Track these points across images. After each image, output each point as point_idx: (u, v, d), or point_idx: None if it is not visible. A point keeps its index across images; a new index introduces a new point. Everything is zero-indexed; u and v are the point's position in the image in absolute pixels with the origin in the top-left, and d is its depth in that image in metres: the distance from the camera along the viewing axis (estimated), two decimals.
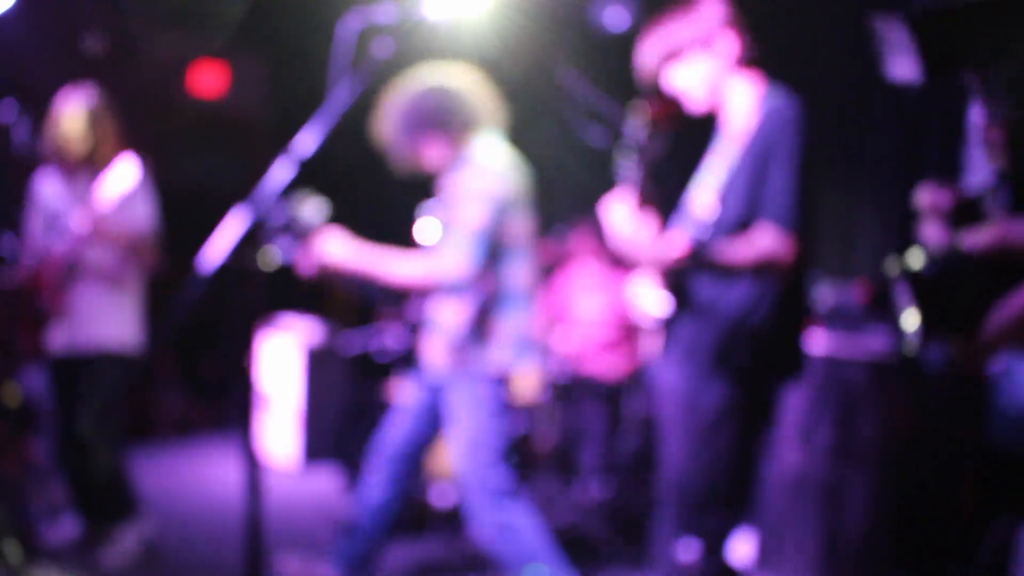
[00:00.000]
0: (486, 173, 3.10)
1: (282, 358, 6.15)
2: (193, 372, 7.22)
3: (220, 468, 5.90)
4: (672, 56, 2.54)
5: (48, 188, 4.04)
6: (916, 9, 0.66)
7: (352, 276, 3.11)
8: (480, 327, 3.11)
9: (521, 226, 3.18)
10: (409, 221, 5.29)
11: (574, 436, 4.84)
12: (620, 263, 5.02)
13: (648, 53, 2.58)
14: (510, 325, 3.13)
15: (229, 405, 6.99)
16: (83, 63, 6.65)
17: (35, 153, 4.01)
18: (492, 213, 3.05)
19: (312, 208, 3.00)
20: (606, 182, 6.08)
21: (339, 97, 2.49)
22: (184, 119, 7.51)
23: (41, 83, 6.01)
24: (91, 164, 3.94)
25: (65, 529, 4.18)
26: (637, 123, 2.39)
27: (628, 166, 2.42)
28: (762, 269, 2.36)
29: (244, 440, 2.36)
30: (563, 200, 6.08)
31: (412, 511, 4.37)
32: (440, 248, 3.06)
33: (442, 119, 3.16)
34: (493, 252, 3.09)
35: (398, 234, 4.53)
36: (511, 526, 3.05)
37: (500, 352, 3.11)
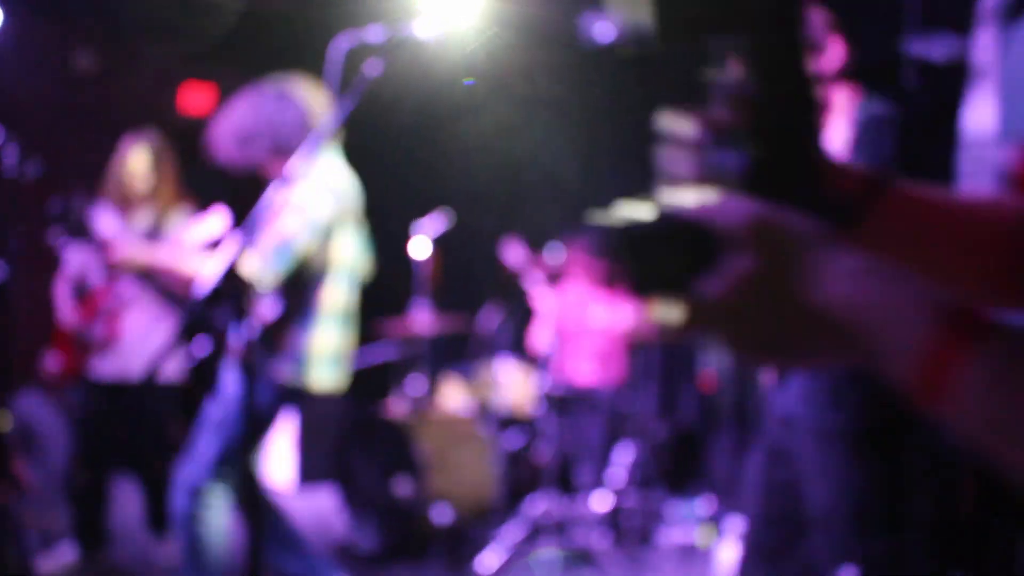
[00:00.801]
0: (318, 190, 3.02)
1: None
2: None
3: None
4: None
5: (105, 222, 4.11)
6: None
7: (145, 273, 3.12)
8: (271, 337, 3.04)
9: (347, 249, 3.12)
10: (403, 238, 5.31)
11: (573, 450, 4.82)
12: (612, 277, 5.02)
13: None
14: (313, 342, 3.05)
15: None
16: (70, 82, 6.64)
17: (23, 176, 4.02)
18: (310, 231, 2.97)
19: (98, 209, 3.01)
20: (598, 194, 6.06)
21: (332, 117, 2.47)
22: (174, 135, 7.49)
23: (28, 104, 6.02)
24: (150, 202, 4.14)
25: (62, 555, 4.16)
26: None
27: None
28: None
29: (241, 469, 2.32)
30: (555, 212, 6.08)
31: (413, 530, 4.34)
32: (251, 251, 2.96)
33: (281, 131, 3.08)
34: (305, 272, 3.02)
35: (392, 250, 4.53)
36: (203, 518, 2.98)
37: (284, 363, 3.03)
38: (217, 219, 3.99)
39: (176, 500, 3.01)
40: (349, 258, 3.13)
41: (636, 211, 0.75)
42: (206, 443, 2.99)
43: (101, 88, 6.95)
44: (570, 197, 6.16)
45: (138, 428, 4.10)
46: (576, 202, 6.26)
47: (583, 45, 5.78)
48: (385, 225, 5.79)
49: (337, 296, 3.11)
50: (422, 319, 5.09)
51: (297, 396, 3.06)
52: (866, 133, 2.37)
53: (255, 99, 3.14)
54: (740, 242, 0.69)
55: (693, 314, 0.71)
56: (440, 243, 5.21)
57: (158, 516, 4.17)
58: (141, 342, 4.05)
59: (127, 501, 4.56)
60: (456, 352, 5.86)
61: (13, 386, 4.90)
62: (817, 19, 2.46)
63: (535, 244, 5.28)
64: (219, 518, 3.00)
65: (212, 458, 2.97)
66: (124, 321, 4.06)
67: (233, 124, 3.14)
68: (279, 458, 6.01)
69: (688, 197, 0.79)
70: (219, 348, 3.10)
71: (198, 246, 3.89)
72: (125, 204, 4.16)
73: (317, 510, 5.34)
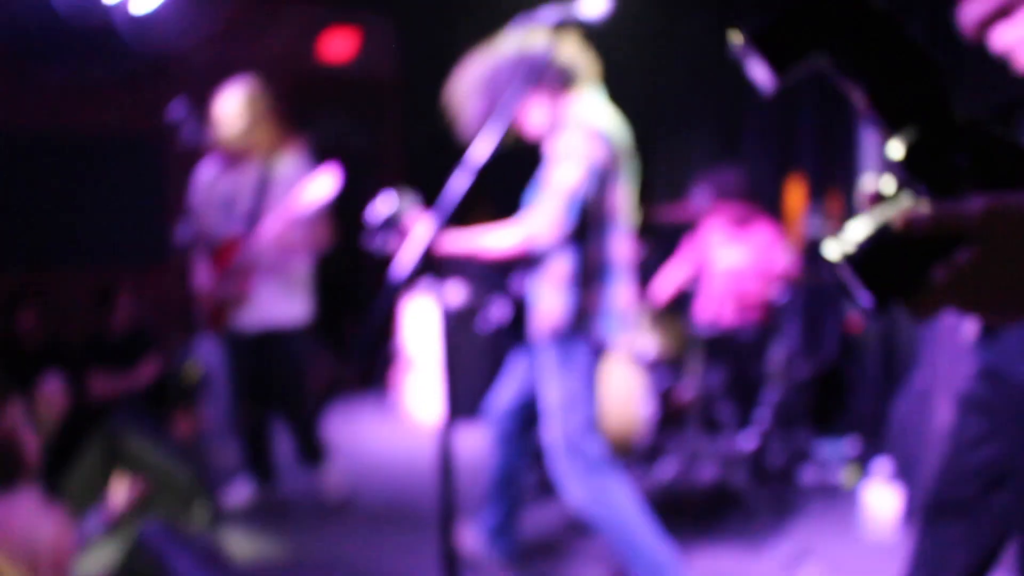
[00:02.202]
0: (588, 135, 2.93)
1: (423, 320, 6.37)
2: (339, 334, 7.53)
3: (372, 426, 6.18)
4: (1002, 13, 2.29)
5: (216, 176, 4.27)
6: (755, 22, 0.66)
7: (456, 259, 3.09)
8: (580, 297, 3.03)
9: (621, 197, 3.04)
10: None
11: (717, 390, 4.89)
12: (747, 219, 5.02)
13: (971, 11, 2.33)
14: (605, 296, 3.04)
15: (375, 365, 7.27)
16: (217, 38, 6.89)
17: (203, 147, 4.25)
18: (589, 176, 2.91)
19: (407, 202, 3.02)
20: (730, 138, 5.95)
21: (507, 107, 2.44)
22: (316, 85, 7.73)
23: (196, 79, 6.29)
24: (254, 151, 4.18)
25: (240, 490, 4.49)
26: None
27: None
28: None
29: (440, 399, 2.46)
30: (686, 157, 6.06)
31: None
32: (531, 211, 2.96)
33: (536, 78, 2.98)
34: (594, 222, 2.97)
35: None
36: (604, 492, 2.99)
37: (593, 321, 3.03)
38: (327, 178, 3.97)
39: (567, 465, 3.03)
40: (627, 204, 3.07)
41: (858, 230, 0.79)
42: (568, 413, 3.03)
43: (247, 42, 7.20)
44: (702, 142, 6.13)
45: (279, 372, 4.30)
46: (706, 147, 6.22)
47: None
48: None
49: (623, 246, 3.07)
50: None
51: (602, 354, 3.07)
52: None
53: (508, 52, 3.06)
54: (974, 232, 0.74)
55: (930, 296, 0.76)
56: None
57: (307, 450, 4.44)
58: (271, 295, 4.19)
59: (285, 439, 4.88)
60: None
61: (194, 332, 5.26)
62: None
63: (671, 190, 5.30)
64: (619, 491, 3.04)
65: (581, 426, 3.03)
66: (253, 279, 4.16)
67: (480, 75, 3.07)
68: (429, 394, 6.28)
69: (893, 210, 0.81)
70: (519, 312, 3.25)
71: (310, 208, 3.97)
72: (229, 155, 4.19)
73: (468, 445, 5.59)
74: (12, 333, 5.84)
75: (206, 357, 5.00)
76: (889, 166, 0.80)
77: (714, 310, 5.07)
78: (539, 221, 2.91)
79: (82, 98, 6.76)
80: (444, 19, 7.40)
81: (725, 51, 4.93)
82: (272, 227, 4.04)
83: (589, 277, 3.02)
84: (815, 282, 4.98)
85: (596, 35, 3.00)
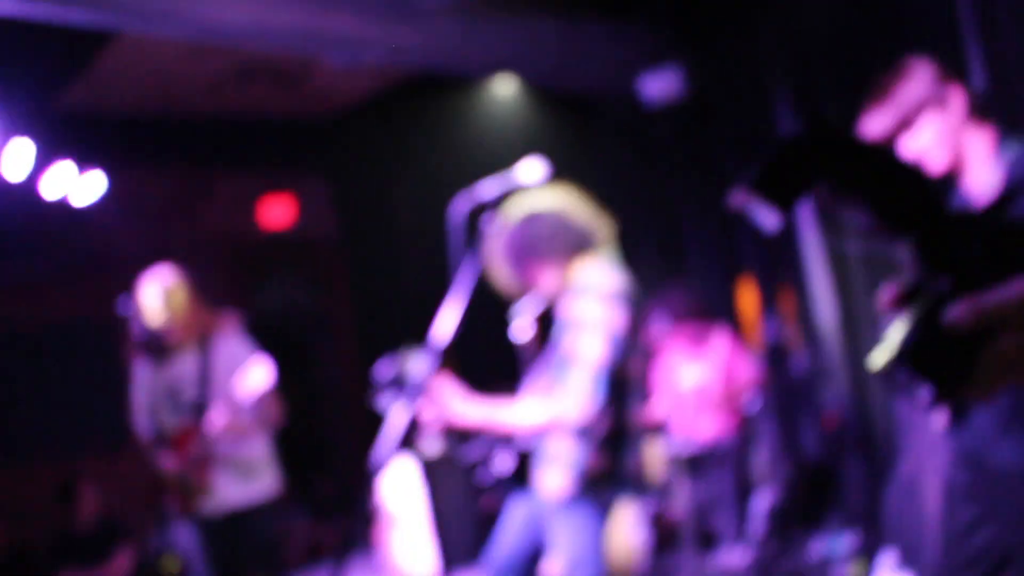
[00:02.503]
0: (606, 302, 2.92)
1: (401, 474, 6.29)
2: (313, 497, 7.38)
3: None
4: (904, 124, 2.42)
5: (149, 370, 4.25)
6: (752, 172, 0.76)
7: (473, 426, 3.04)
8: (599, 465, 3.00)
9: (640, 362, 3.03)
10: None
11: (707, 505, 4.88)
12: (704, 335, 5.13)
13: (875, 126, 2.45)
14: (622, 461, 3.03)
15: (355, 524, 7.12)
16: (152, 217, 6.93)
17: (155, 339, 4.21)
18: (612, 346, 2.89)
19: (418, 362, 2.98)
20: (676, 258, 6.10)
21: (464, 278, 2.53)
22: (259, 254, 7.79)
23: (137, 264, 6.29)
24: (185, 338, 4.14)
25: None
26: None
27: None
28: None
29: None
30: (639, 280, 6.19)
31: None
32: (560, 388, 2.92)
33: (549, 244, 3.00)
34: (616, 390, 2.94)
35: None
36: None
37: (610, 487, 3.02)
38: (262, 368, 3.93)
39: None
40: (638, 372, 3.04)
41: (899, 333, 0.84)
42: (577, 573, 3.01)
43: (185, 217, 7.26)
44: (648, 263, 6.28)
45: (251, 552, 4.18)
46: (652, 267, 6.38)
47: (642, 103, 5.96)
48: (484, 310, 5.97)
49: (641, 412, 3.05)
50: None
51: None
52: (1015, 173, 2.30)
53: (522, 215, 3.08)
54: (1016, 317, 0.79)
55: (986, 379, 0.81)
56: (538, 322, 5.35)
57: None
58: (232, 481, 4.10)
59: None
60: None
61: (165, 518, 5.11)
62: (928, 75, 2.41)
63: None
64: None
65: None
66: (210, 468, 4.08)
67: (507, 243, 3.07)
68: (418, 549, 6.15)
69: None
70: (523, 466, 3.19)
71: (249, 400, 3.91)
72: (161, 346, 4.16)
73: None
74: None
75: (182, 543, 4.86)
76: (906, 268, 0.85)
77: (688, 428, 5.10)
78: (570, 399, 2.88)
79: (26, 293, 6.70)
80: (378, 177, 7.58)
81: (651, 171, 5.11)
82: (218, 420, 4.01)
83: (607, 444, 2.99)
84: (783, 384, 5.07)
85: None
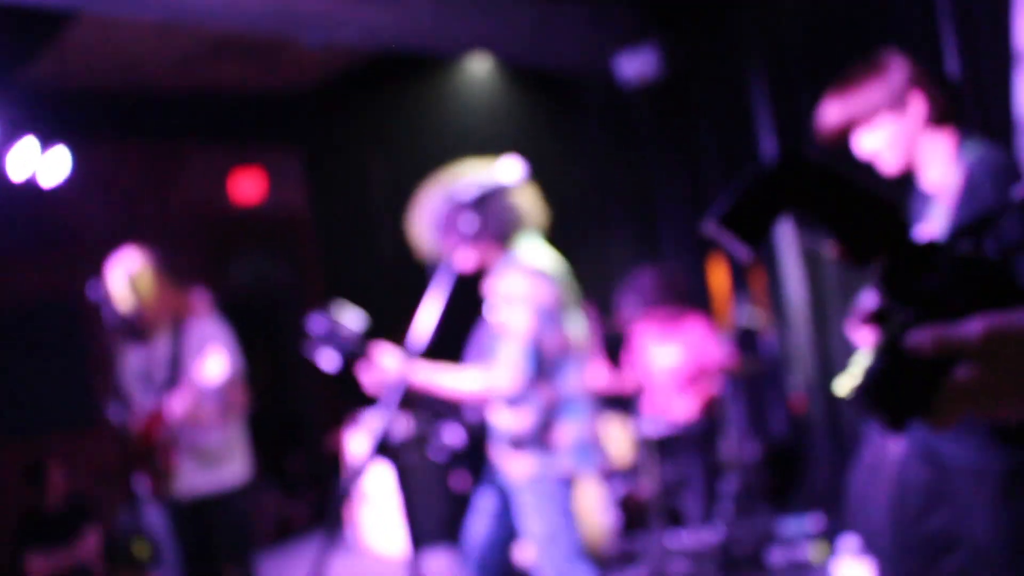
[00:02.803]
0: (532, 278, 3.04)
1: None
2: (282, 471, 7.38)
3: (336, 563, 6.02)
4: (860, 121, 2.46)
5: (129, 353, 4.21)
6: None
7: (412, 391, 3.10)
8: (543, 434, 3.10)
9: (572, 332, 3.13)
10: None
11: (674, 484, 4.94)
12: (676, 317, 5.16)
13: (833, 116, 2.49)
14: (571, 431, 3.11)
15: (324, 500, 7.14)
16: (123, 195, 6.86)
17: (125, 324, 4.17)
18: (539, 321, 3.01)
19: (352, 318, 3.05)
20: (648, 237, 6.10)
21: (441, 282, 2.61)
22: (231, 228, 7.73)
23: (106, 241, 6.23)
24: (155, 323, 4.09)
25: None
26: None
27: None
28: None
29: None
30: (608, 259, 6.20)
31: None
32: (494, 361, 3.05)
33: (483, 221, 3.06)
34: (547, 362, 3.05)
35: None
36: None
37: (563, 458, 3.10)
38: (219, 357, 3.87)
39: None
40: (576, 341, 3.14)
41: (862, 363, 0.85)
42: (552, 547, 3.08)
43: (156, 195, 7.18)
44: (622, 244, 6.29)
45: (221, 538, 4.15)
46: (626, 248, 6.39)
47: (619, 83, 5.94)
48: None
49: (583, 378, 3.14)
50: None
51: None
52: (973, 176, 2.32)
53: (447, 189, 3.13)
54: (975, 353, 0.80)
55: (942, 409, 0.82)
56: None
57: None
58: (197, 467, 4.08)
59: None
60: None
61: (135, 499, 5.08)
62: (895, 76, 2.43)
63: (598, 300, 5.41)
64: None
65: (568, 556, 3.09)
66: (174, 454, 4.06)
67: (429, 215, 3.14)
68: (387, 524, 6.18)
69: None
70: (476, 439, 3.24)
71: (207, 388, 3.87)
72: (133, 329, 4.10)
73: (435, 573, 5.50)
74: None
75: (153, 526, 4.85)
76: (876, 292, 0.86)
77: (659, 409, 5.14)
78: (501, 369, 3.00)
79: None
80: (350, 150, 7.53)
81: (626, 152, 5.11)
82: (177, 407, 3.97)
83: (553, 415, 3.08)
84: (752, 368, 5.11)
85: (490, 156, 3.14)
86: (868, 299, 0.89)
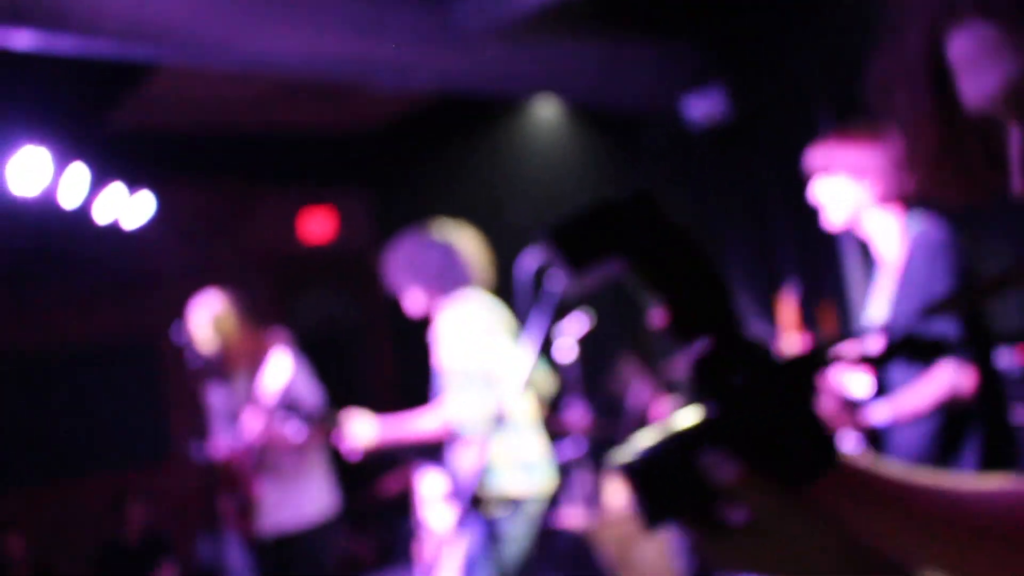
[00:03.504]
0: (465, 313, 3.35)
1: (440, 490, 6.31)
2: (349, 508, 7.42)
3: None
4: (823, 169, 2.64)
5: (214, 393, 4.31)
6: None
7: (388, 447, 3.45)
8: (494, 456, 3.30)
9: (509, 355, 3.31)
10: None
11: None
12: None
13: (811, 156, 2.69)
14: (510, 449, 3.33)
15: (393, 538, 7.16)
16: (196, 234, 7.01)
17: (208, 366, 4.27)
18: (477, 349, 3.29)
19: (311, 390, 3.33)
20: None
21: (531, 333, 2.81)
22: (300, 267, 7.86)
23: (182, 281, 6.35)
24: (236, 362, 4.19)
25: None
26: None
27: None
28: (947, 403, 2.38)
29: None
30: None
31: None
32: (445, 396, 3.34)
33: (432, 272, 3.42)
34: (485, 383, 3.29)
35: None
36: None
37: (506, 475, 3.31)
38: (283, 359, 3.99)
39: None
40: (512, 365, 3.27)
41: (643, 440, 0.77)
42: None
43: (228, 235, 7.34)
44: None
45: (301, 570, 4.19)
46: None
47: (685, 125, 5.95)
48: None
49: (517, 404, 3.31)
50: (577, 417, 5.24)
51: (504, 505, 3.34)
52: (919, 250, 2.47)
53: (414, 240, 3.54)
54: (732, 493, 0.74)
55: (713, 543, 0.76)
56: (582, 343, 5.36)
57: None
58: (279, 498, 4.13)
59: None
60: (605, 449, 5.97)
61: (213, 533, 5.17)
62: (868, 150, 2.55)
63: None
64: None
65: None
66: (256, 484, 4.13)
67: (395, 262, 3.55)
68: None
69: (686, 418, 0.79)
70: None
71: (277, 395, 3.95)
72: (217, 369, 4.22)
73: None
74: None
75: (232, 562, 4.92)
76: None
77: None
78: (453, 404, 3.29)
79: (76, 311, 6.82)
80: (418, 191, 7.63)
81: (692, 192, 5.05)
82: (252, 424, 4.02)
83: (498, 436, 3.24)
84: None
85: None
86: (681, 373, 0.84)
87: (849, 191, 2.59)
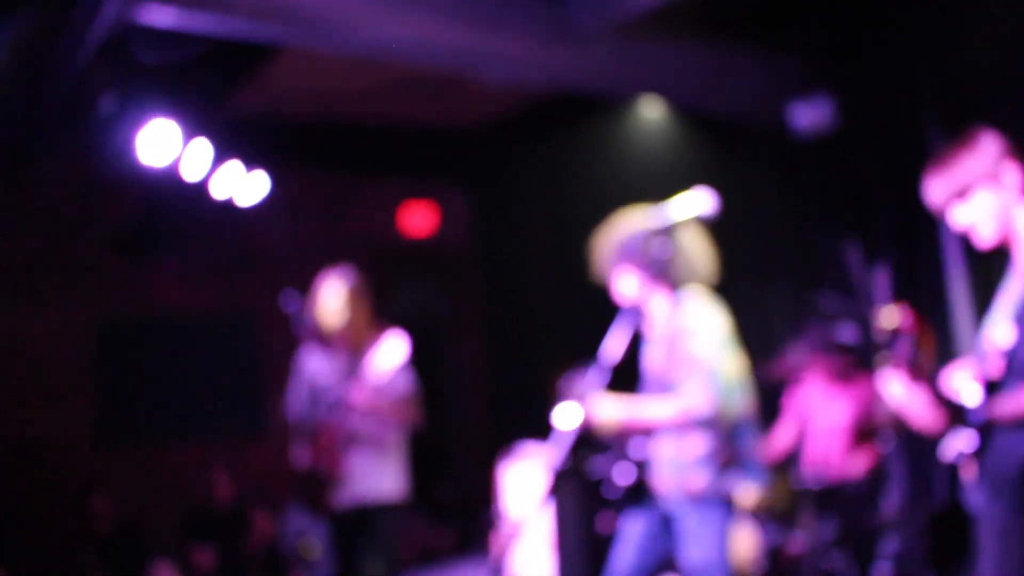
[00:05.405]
0: (705, 312, 3.37)
1: (527, 483, 6.38)
2: (429, 498, 7.54)
3: None
4: (959, 194, 2.59)
5: (312, 363, 4.45)
6: None
7: (623, 429, 3.42)
8: (717, 457, 3.32)
9: (737, 359, 3.42)
10: None
11: (829, 542, 4.82)
12: (846, 373, 5.09)
13: (934, 192, 2.65)
14: (740, 452, 3.36)
15: (472, 530, 7.24)
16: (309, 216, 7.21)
17: (309, 334, 4.44)
18: (718, 348, 3.32)
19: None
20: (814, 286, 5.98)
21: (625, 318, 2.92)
22: (397, 258, 8.03)
23: (283, 262, 6.54)
24: (349, 338, 4.33)
25: None
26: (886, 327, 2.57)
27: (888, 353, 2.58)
28: None
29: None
30: (779, 310, 6.15)
31: None
32: (686, 386, 3.30)
33: (656, 261, 3.29)
34: (723, 387, 3.31)
35: None
36: None
37: (732, 479, 3.32)
38: (398, 342, 4.12)
39: None
40: (740, 368, 3.44)
41: None
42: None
43: (331, 221, 7.54)
44: (782, 294, 6.21)
45: (370, 551, 4.33)
46: (797, 298, 6.31)
47: (792, 135, 5.92)
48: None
49: (745, 404, 3.42)
50: None
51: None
52: None
53: (642, 224, 3.38)
54: None
55: None
56: None
57: None
58: (365, 469, 4.26)
59: None
60: None
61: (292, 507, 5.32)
62: (989, 149, 2.57)
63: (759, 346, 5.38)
64: None
65: None
66: (345, 453, 4.24)
67: (617, 243, 3.48)
68: (537, 561, 6.23)
69: None
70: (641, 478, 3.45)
71: (387, 374, 4.14)
72: (326, 342, 4.37)
73: None
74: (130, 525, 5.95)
75: (314, 529, 5.07)
76: None
77: (820, 463, 5.06)
78: (695, 394, 3.25)
79: (182, 283, 7.10)
80: (518, 189, 7.73)
81: (795, 202, 5.05)
82: (358, 395, 4.14)
83: (727, 437, 3.32)
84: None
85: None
86: None
87: (990, 201, 2.56)
